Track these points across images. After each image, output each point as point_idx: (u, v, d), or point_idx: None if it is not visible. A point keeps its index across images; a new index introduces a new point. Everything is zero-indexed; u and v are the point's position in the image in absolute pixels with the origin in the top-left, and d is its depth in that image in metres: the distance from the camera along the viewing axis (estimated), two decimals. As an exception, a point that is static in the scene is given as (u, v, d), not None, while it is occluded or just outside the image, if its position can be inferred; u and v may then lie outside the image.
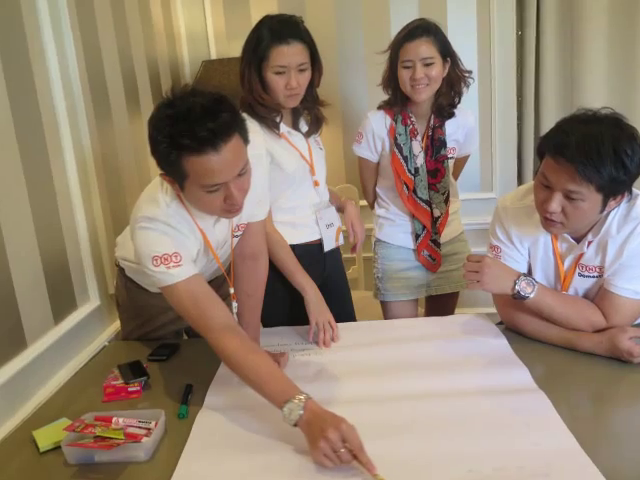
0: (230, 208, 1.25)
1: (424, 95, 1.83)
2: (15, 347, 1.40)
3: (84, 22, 1.79)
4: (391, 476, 1.01)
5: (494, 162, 2.87)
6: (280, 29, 1.59)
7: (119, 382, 1.40)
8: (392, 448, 1.10)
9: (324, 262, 1.86)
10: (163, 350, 1.60)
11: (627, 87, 2.70)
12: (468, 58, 2.13)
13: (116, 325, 1.84)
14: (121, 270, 1.64)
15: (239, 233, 1.49)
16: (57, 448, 1.16)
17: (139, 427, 1.17)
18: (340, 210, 1.91)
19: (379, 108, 1.96)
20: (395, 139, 1.90)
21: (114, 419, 1.18)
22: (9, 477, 1.12)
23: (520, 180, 2.91)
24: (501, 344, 1.52)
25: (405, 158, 1.91)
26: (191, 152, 1.14)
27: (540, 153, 1.37)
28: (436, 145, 1.92)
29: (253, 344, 1.31)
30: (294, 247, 1.73)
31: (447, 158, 1.95)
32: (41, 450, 1.17)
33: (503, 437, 1.12)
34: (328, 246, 1.84)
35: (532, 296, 1.42)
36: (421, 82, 1.79)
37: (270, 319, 1.75)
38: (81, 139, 1.74)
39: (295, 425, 1.10)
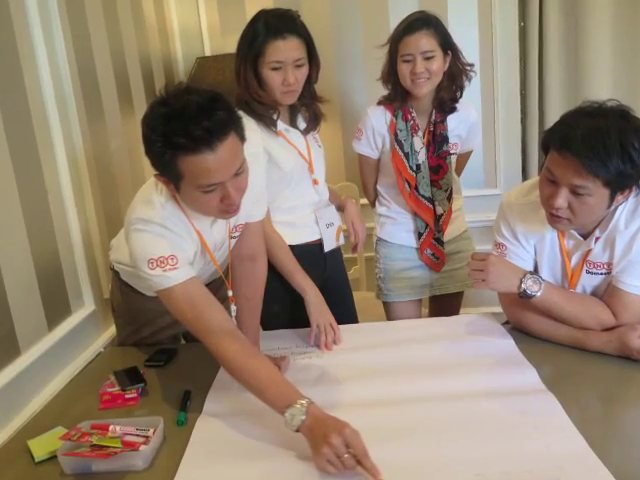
0: (227, 208, 1.25)
1: (425, 89, 1.83)
2: (8, 354, 1.40)
3: (74, 19, 1.79)
4: (396, 482, 1.01)
5: (498, 157, 2.87)
6: (276, 24, 1.59)
7: (115, 389, 1.40)
8: (397, 453, 1.10)
9: (324, 262, 1.86)
10: (160, 355, 1.60)
11: (633, 78, 2.71)
12: (469, 51, 2.13)
13: (112, 330, 1.84)
14: (116, 274, 1.64)
15: (237, 234, 1.49)
16: (53, 458, 1.16)
17: (137, 435, 1.17)
18: (340, 209, 1.91)
19: (379, 103, 1.96)
20: (396, 135, 1.90)
21: (111, 427, 1.18)
22: (4, 488, 1.12)
23: (525, 175, 2.91)
24: (508, 344, 1.52)
25: (406, 154, 1.91)
26: (186, 152, 1.14)
27: (545, 147, 1.37)
28: (438, 141, 1.92)
29: (253, 348, 1.32)
30: (293, 247, 1.73)
31: (449, 154, 1.95)
32: (36, 460, 1.17)
33: (511, 440, 1.12)
34: (328, 246, 1.84)
35: (539, 294, 1.42)
36: (422, 76, 1.79)
37: (270, 322, 1.75)
38: (73, 140, 1.74)
39: (297, 431, 1.10)
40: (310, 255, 1.80)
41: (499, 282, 1.45)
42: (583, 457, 1.05)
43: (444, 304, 2.11)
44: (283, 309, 1.79)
